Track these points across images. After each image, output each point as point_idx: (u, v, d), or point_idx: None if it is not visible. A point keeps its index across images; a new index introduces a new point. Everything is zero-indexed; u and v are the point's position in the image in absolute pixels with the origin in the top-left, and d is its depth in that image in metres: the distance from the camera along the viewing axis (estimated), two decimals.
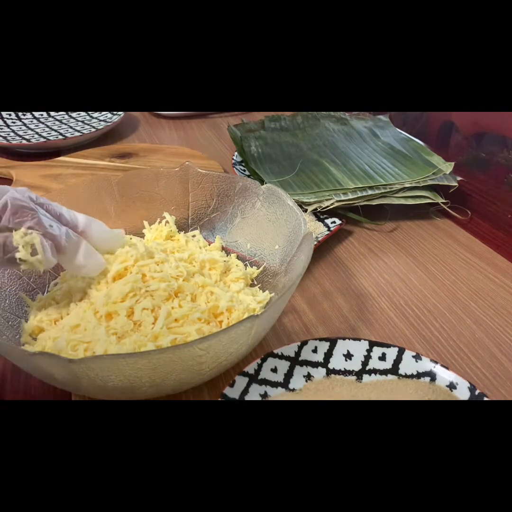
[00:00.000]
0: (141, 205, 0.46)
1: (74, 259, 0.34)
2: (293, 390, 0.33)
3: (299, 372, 0.34)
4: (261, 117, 0.73)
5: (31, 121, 0.76)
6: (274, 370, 0.34)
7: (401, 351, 0.35)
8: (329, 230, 0.49)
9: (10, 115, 0.77)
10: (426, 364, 0.34)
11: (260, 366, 0.34)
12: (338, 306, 0.42)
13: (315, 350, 0.35)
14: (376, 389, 0.33)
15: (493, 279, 0.46)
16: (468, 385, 0.32)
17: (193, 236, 0.44)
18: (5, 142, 0.67)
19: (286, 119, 0.72)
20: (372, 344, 0.35)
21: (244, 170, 0.60)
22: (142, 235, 0.44)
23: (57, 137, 0.70)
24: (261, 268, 0.42)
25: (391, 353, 0.35)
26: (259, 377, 0.33)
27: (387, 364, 0.35)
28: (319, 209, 0.52)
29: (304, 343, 0.35)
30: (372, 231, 0.53)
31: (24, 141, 0.68)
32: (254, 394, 0.32)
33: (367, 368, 0.35)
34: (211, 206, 0.46)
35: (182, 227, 0.46)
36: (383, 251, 0.50)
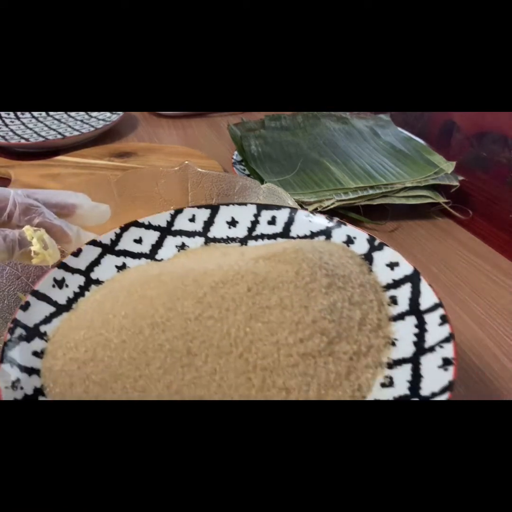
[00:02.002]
0: (140, 205, 0.45)
1: (78, 244, 0.36)
2: (161, 260, 0.30)
3: (171, 242, 0.30)
4: (261, 116, 0.73)
5: (30, 121, 0.76)
6: (139, 240, 0.30)
7: (293, 212, 0.31)
8: None
9: (8, 114, 0.76)
10: (320, 222, 0.31)
11: (119, 236, 0.29)
12: None
13: (192, 219, 0.31)
14: (255, 250, 0.30)
15: (495, 279, 0.45)
16: (367, 237, 0.30)
17: None
18: (3, 141, 0.67)
19: (286, 118, 0.72)
20: (260, 207, 0.32)
21: (244, 170, 0.59)
22: None
23: (56, 137, 0.69)
24: None
25: (282, 215, 0.31)
26: (117, 248, 0.29)
27: (277, 228, 0.31)
28: (319, 209, 0.51)
29: (179, 211, 0.31)
30: (373, 231, 0.53)
31: (22, 141, 0.68)
32: (108, 265, 0.28)
33: (254, 234, 0.31)
34: None
35: None
36: None
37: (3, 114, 0.76)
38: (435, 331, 0.25)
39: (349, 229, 0.31)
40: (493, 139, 0.61)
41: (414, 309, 0.27)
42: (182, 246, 0.30)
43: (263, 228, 0.31)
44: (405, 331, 0.26)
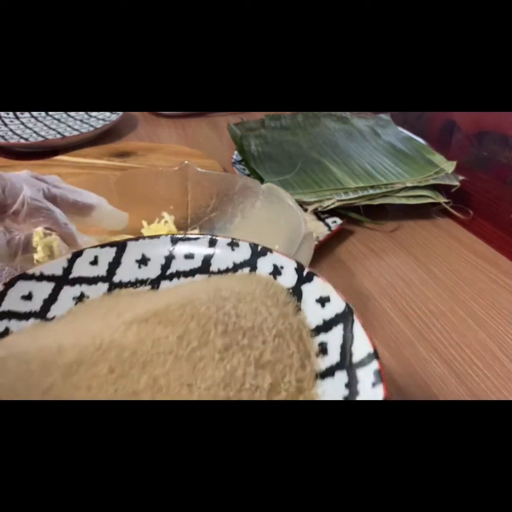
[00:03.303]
0: (140, 205, 0.45)
1: None
2: (53, 318, 0.25)
3: (68, 294, 0.26)
4: (261, 115, 0.73)
5: (29, 120, 0.76)
6: (28, 296, 0.25)
7: (213, 242, 0.27)
8: (330, 230, 0.49)
9: (8, 114, 0.76)
10: (243, 251, 0.27)
11: (1, 295, 0.24)
12: None
13: (94, 261, 0.26)
14: (169, 296, 0.25)
15: (496, 279, 0.45)
16: (295, 266, 0.26)
17: None
18: (3, 141, 0.66)
19: (287, 118, 0.72)
20: (175, 240, 0.27)
21: (244, 169, 0.59)
22: (140, 235, 0.43)
23: (55, 136, 0.69)
24: None
25: (201, 247, 0.27)
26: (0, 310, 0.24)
27: (196, 262, 0.27)
28: (319, 209, 0.51)
29: (78, 254, 0.26)
30: (373, 231, 0.53)
31: (22, 140, 0.68)
32: None
33: (168, 272, 0.27)
34: (210, 205, 0.45)
35: (181, 226, 0.45)
36: (384, 251, 0.50)
37: (2, 113, 0.76)
38: (366, 394, 0.20)
39: (275, 257, 0.27)
40: (494, 139, 0.61)
41: (345, 361, 0.22)
42: (80, 297, 0.26)
43: (179, 263, 0.27)
44: (333, 391, 0.22)
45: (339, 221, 0.50)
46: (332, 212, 0.52)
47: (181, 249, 0.27)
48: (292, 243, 0.39)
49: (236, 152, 0.63)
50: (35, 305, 0.25)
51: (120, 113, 0.74)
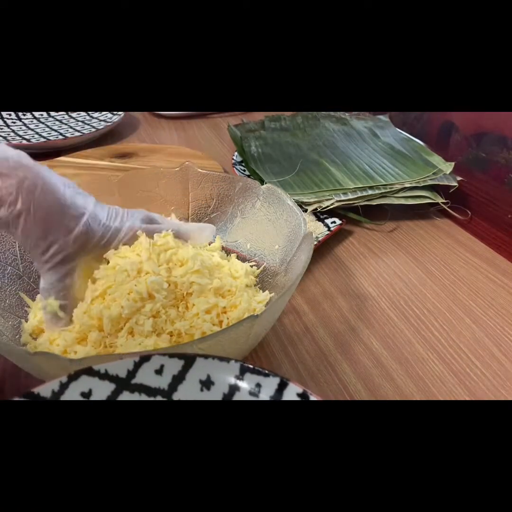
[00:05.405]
0: (141, 205, 0.45)
1: None
2: None
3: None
4: (261, 117, 0.73)
5: (31, 121, 0.76)
6: (87, 394, 0.24)
7: (282, 385, 0.23)
8: (329, 230, 0.49)
9: (10, 115, 0.77)
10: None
11: (64, 386, 0.23)
12: (338, 306, 0.42)
13: (159, 371, 0.25)
14: None
15: (493, 279, 0.46)
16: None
17: None
18: (5, 142, 0.67)
19: (286, 119, 0.72)
20: (244, 369, 0.24)
21: (244, 170, 0.60)
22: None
23: (57, 137, 0.70)
24: (261, 268, 0.42)
25: (268, 387, 0.24)
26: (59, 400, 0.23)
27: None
28: (319, 209, 0.52)
29: (145, 359, 0.25)
30: (372, 231, 0.53)
31: (24, 141, 0.68)
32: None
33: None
34: (211, 206, 0.46)
35: None
36: (383, 251, 0.50)
37: (4, 114, 0.76)
38: None
39: None
40: (492, 139, 0.61)
41: None
42: None
43: (242, 398, 0.24)
44: None
45: (338, 221, 0.51)
46: (331, 213, 0.52)
47: (248, 381, 0.24)
48: (291, 243, 0.39)
49: (236, 153, 0.63)
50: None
51: (121, 114, 0.74)
